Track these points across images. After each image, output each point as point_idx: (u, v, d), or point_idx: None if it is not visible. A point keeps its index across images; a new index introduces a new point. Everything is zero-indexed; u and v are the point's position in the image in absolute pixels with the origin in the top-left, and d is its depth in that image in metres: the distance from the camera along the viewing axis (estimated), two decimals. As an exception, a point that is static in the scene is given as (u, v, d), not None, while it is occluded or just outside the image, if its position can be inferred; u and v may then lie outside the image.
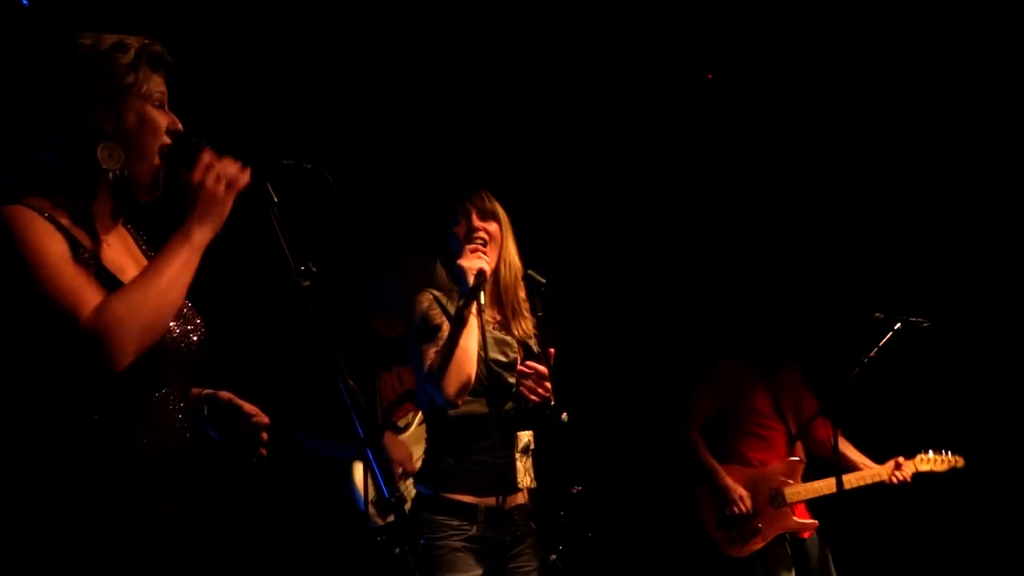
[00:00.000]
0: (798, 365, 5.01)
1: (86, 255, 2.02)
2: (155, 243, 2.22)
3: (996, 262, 5.54)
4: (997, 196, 5.52)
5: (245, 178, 2.11)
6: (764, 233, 5.72)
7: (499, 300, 3.40)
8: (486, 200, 3.38)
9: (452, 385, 3.15)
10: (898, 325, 4.49)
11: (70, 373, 1.93)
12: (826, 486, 4.68)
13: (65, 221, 2.02)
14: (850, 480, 4.66)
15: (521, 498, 3.33)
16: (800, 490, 4.71)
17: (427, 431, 3.42)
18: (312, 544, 4.50)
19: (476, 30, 4.99)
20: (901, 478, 4.70)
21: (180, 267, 2.00)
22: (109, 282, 2.02)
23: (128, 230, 2.22)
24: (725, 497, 4.69)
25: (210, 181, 2.06)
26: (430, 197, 3.81)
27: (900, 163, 5.61)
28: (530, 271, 3.37)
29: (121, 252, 2.15)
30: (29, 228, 1.95)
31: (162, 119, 2.10)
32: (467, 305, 3.20)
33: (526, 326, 3.41)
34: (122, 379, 1.96)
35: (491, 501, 3.21)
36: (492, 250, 3.34)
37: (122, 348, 1.90)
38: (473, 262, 3.24)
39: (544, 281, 3.35)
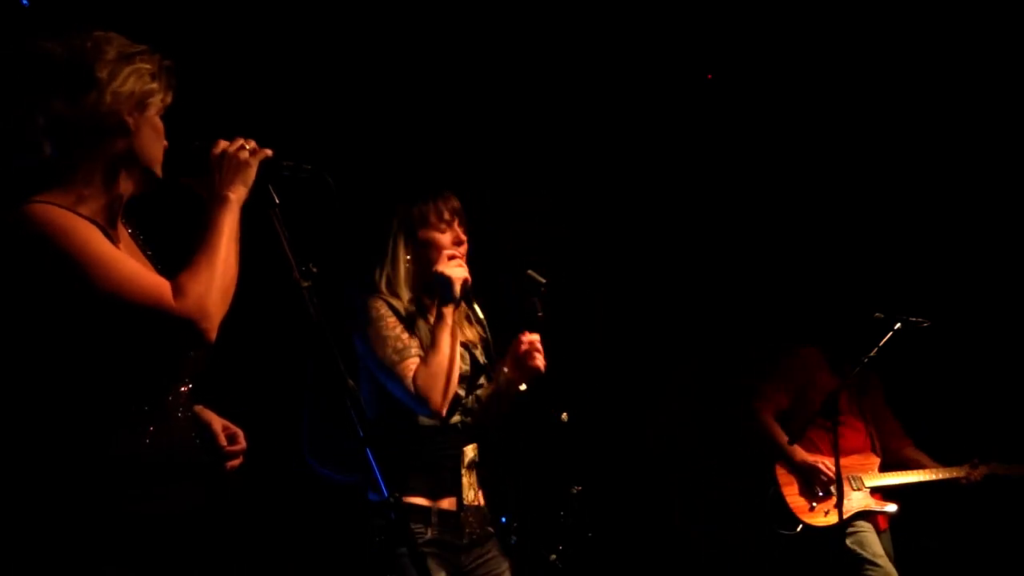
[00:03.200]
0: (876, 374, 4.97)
1: (118, 246, 2.05)
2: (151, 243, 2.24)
3: (996, 262, 5.54)
4: (997, 196, 5.52)
5: (267, 151, 2.19)
6: (764, 233, 5.73)
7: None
8: (461, 208, 3.29)
9: (440, 396, 3.06)
10: (898, 325, 4.48)
11: (111, 364, 1.97)
12: (904, 475, 4.78)
13: (85, 214, 2.01)
14: (926, 474, 4.79)
15: (477, 501, 3.23)
16: (878, 477, 4.78)
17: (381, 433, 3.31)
18: (314, 544, 4.50)
19: (471, 30, 4.99)
20: (975, 477, 4.77)
21: (230, 232, 2.09)
22: None
23: (127, 227, 2.22)
24: (808, 470, 4.70)
25: (232, 148, 2.16)
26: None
27: (900, 163, 5.61)
28: (530, 271, 3.31)
29: (129, 247, 2.16)
30: (70, 226, 1.94)
31: (160, 125, 2.12)
32: (451, 314, 3.12)
33: (471, 333, 3.34)
34: (138, 381, 2.00)
35: (444, 504, 3.14)
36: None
37: (214, 323, 2.00)
38: (456, 271, 3.16)
39: (544, 281, 3.29)
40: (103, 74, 2.00)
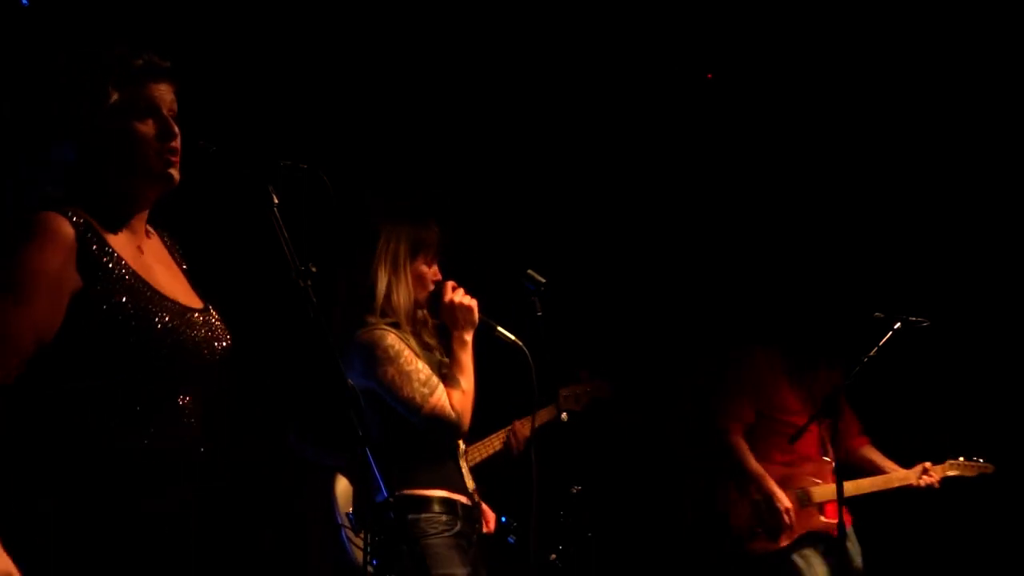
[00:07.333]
0: (836, 367, 4.86)
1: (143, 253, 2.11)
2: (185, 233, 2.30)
3: (996, 262, 5.53)
4: (997, 196, 5.52)
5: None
6: (764, 233, 5.73)
7: (443, 329, 3.39)
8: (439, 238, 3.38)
9: (470, 416, 3.23)
10: (898, 325, 4.47)
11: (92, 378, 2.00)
12: (854, 487, 4.61)
13: (99, 228, 2.05)
14: (877, 483, 4.68)
15: (475, 490, 3.35)
16: (828, 490, 4.62)
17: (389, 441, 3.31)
18: (310, 545, 4.51)
19: (471, 29, 5.00)
20: (928, 482, 4.70)
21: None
22: (140, 287, 2.05)
23: (159, 234, 2.26)
24: (770, 505, 4.61)
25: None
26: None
27: (900, 163, 5.62)
28: (529, 270, 3.37)
29: (152, 257, 2.18)
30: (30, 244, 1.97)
31: (148, 130, 2.11)
32: (471, 339, 3.27)
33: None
34: (145, 384, 2.03)
35: (463, 498, 3.23)
36: None
37: None
38: (470, 300, 3.29)
39: (543, 281, 3.34)
40: (59, 101, 2.05)
